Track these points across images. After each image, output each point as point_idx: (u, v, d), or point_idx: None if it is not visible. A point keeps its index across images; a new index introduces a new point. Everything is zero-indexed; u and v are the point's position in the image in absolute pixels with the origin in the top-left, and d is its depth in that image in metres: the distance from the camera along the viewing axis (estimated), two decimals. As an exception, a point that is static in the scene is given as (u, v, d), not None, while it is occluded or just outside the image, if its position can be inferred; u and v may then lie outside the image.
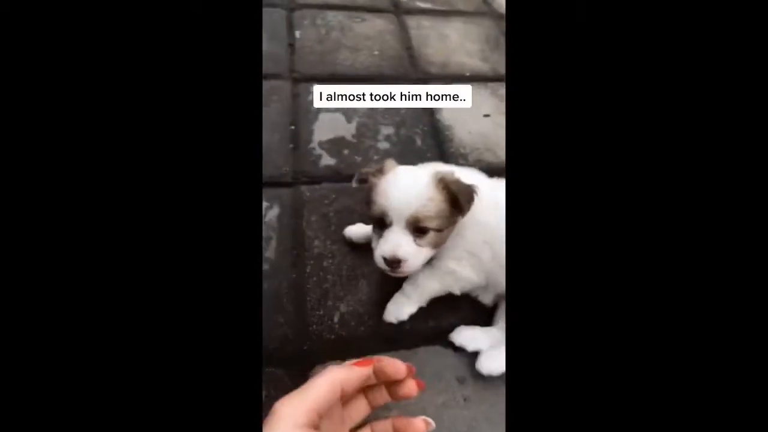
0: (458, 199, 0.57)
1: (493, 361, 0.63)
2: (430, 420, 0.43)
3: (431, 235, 0.58)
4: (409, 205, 0.56)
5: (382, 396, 0.44)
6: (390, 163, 0.63)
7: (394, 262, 0.57)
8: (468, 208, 0.58)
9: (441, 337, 0.68)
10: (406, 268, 0.58)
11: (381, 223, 0.59)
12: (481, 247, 0.63)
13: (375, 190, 0.59)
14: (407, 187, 0.57)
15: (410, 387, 0.43)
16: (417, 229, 0.57)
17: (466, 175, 0.62)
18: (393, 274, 0.60)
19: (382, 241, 0.58)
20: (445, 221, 0.58)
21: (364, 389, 0.44)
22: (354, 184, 0.62)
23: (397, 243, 0.57)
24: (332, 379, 0.38)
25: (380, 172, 0.61)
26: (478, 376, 0.64)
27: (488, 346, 0.66)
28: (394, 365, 0.42)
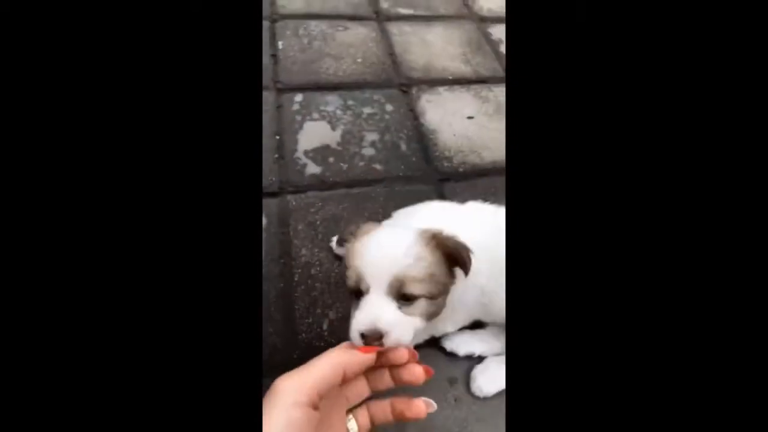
0: (457, 258, 0.48)
1: (491, 384, 0.63)
2: (431, 401, 0.41)
3: (421, 304, 0.47)
4: (389, 266, 0.45)
5: (383, 380, 0.42)
6: (369, 225, 0.52)
7: (374, 338, 0.43)
8: (469, 267, 0.48)
9: (433, 342, 0.67)
10: (391, 342, 0.44)
11: (357, 293, 0.47)
12: (476, 307, 0.60)
13: (349, 253, 0.49)
14: (387, 245, 0.47)
15: (414, 372, 0.41)
16: (402, 296, 0.46)
17: (466, 219, 0.56)
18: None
19: (357, 312, 0.46)
20: (439, 287, 0.48)
21: (366, 371, 0.42)
22: (335, 248, 0.54)
23: (375, 311, 0.44)
24: (335, 361, 0.37)
25: (356, 233, 0.51)
26: (469, 377, 0.64)
27: (480, 350, 0.66)
28: (394, 349, 0.41)
